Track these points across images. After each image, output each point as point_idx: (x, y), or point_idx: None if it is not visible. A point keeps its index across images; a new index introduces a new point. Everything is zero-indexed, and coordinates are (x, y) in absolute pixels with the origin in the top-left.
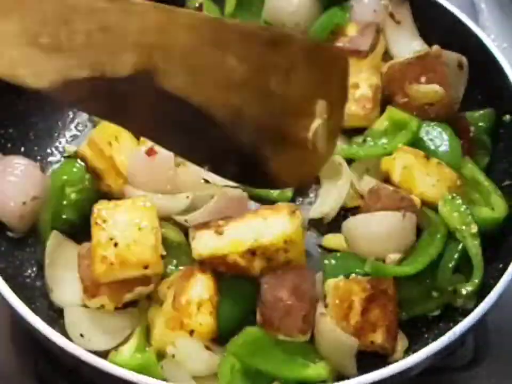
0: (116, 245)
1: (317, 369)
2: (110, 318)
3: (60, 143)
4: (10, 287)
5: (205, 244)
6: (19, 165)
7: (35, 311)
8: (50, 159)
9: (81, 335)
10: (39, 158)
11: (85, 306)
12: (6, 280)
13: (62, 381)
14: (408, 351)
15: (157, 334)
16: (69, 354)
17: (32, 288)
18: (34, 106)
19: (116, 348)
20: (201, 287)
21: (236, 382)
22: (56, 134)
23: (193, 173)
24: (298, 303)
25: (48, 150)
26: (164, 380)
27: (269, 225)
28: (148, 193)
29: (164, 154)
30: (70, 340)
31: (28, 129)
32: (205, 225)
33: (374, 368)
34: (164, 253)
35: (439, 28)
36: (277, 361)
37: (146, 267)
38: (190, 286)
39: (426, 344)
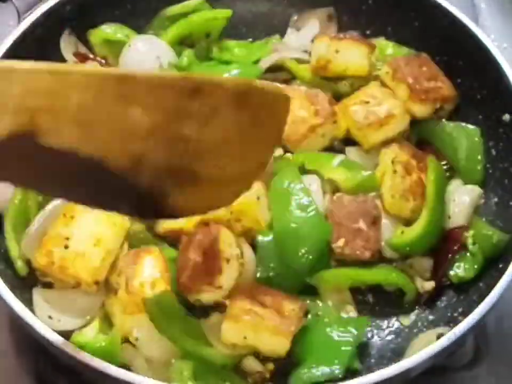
0: (66, 246)
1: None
2: (77, 298)
3: None
4: (10, 288)
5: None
6: None
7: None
8: None
9: (50, 317)
10: None
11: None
12: (5, 281)
13: (62, 380)
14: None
15: (118, 322)
16: (69, 356)
17: (31, 289)
18: None
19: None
20: (150, 267)
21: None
22: None
23: None
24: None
25: None
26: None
27: None
28: None
29: None
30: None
31: None
32: None
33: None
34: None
35: (439, 28)
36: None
37: (78, 283)
38: (140, 268)
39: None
